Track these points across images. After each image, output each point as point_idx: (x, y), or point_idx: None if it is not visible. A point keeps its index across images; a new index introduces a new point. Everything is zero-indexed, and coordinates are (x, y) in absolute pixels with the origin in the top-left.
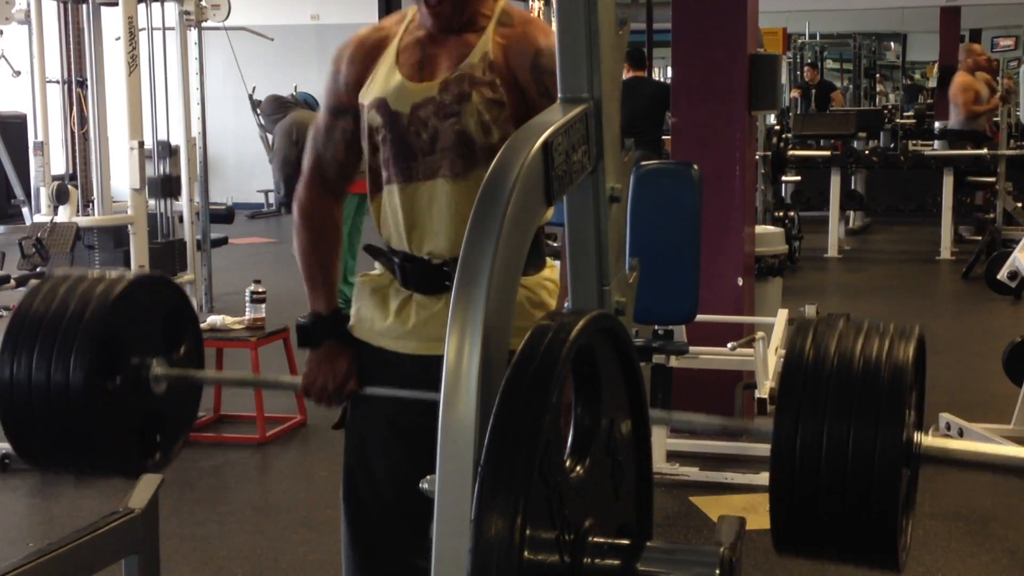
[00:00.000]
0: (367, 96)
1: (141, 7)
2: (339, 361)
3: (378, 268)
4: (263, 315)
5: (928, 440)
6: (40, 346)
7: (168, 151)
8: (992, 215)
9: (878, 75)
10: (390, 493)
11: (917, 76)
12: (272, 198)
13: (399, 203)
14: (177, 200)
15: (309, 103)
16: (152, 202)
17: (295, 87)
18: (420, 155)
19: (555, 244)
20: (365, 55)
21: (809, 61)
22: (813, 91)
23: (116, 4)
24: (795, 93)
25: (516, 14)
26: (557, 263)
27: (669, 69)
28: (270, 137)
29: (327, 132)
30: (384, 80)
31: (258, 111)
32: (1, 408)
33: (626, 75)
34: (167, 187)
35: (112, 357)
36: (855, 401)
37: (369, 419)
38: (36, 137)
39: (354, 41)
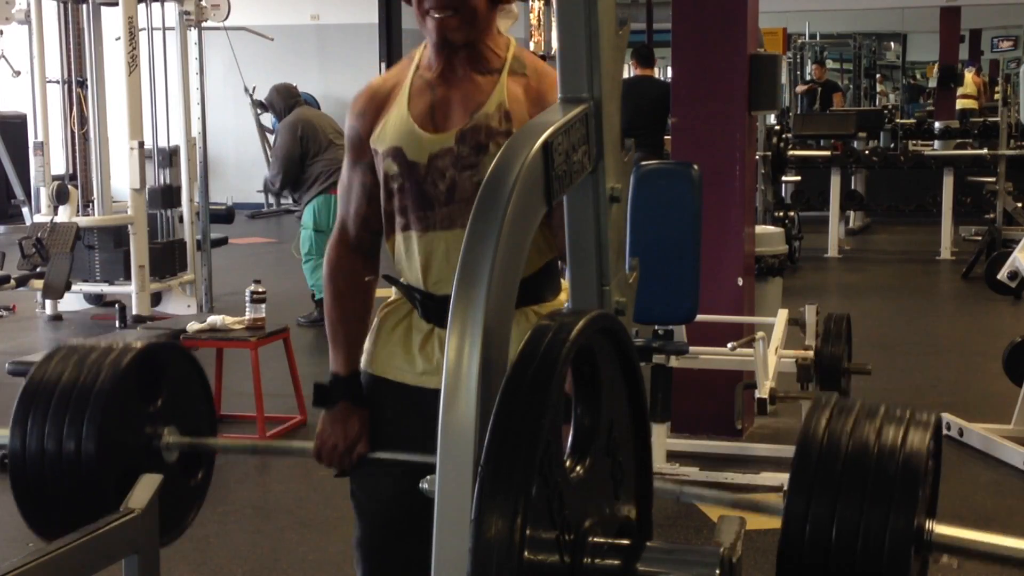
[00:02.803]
0: (381, 142)
1: (141, 7)
2: (351, 421)
3: (395, 294)
4: (263, 315)
5: (940, 529)
6: (51, 420)
7: (168, 160)
8: (992, 215)
9: (879, 75)
10: (398, 508)
11: (917, 76)
12: (271, 198)
13: (416, 250)
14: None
15: (309, 103)
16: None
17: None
18: (437, 205)
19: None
20: (376, 107)
21: (817, 59)
22: (819, 89)
23: (116, 4)
24: (801, 88)
25: (528, 62)
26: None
27: (669, 69)
28: (270, 121)
29: (349, 187)
30: (397, 127)
31: (254, 101)
32: (13, 484)
33: (633, 72)
34: (168, 197)
35: (123, 427)
36: (868, 486)
37: (374, 438)
38: (36, 137)
39: (365, 93)
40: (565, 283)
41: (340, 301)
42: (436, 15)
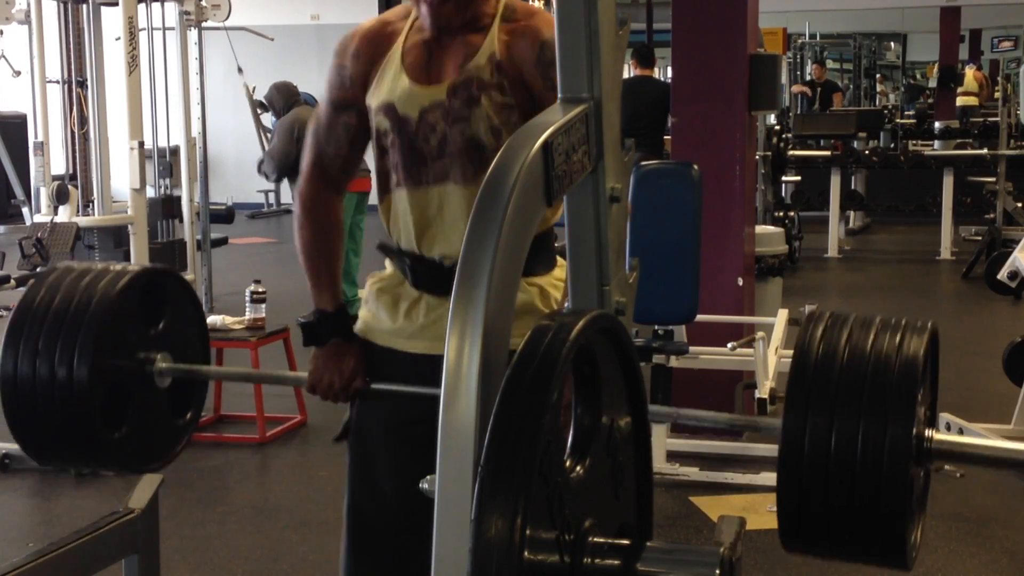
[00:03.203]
0: (374, 99)
1: (141, 7)
2: (346, 358)
3: (389, 267)
4: (263, 315)
5: (940, 436)
6: (44, 340)
7: (169, 170)
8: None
9: (879, 75)
10: (397, 506)
11: (917, 76)
12: (272, 197)
13: (408, 207)
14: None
15: (309, 103)
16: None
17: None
18: (429, 160)
19: (556, 244)
20: (371, 50)
21: (817, 59)
22: (819, 89)
23: (116, 4)
24: (798, 88)
25: (520, 8)
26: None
27: (669, 69)
28: (269, 120)
29: (329, 127)
30: (391, 83)
31: (254, 101)
32: (5, 403)
33: (633, 72)
34: (168, 207)
35: (116, 351)
36: (865, 396)
37: (373, 432)
38: (36, 137)
39: (358, 34)
40: (562, 260)
41: (320, 236)
42: (431, 1)
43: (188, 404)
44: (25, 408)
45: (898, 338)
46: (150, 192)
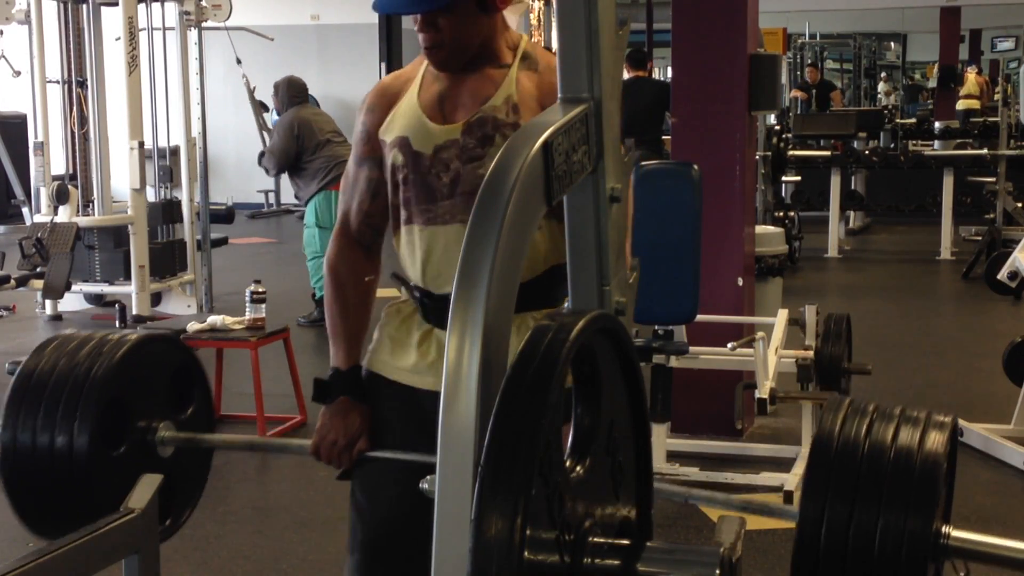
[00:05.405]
0: (389, 133)
1: (141, 7)
2: (351, 417)
3: (402, 293)
4: (263, 315)
5: (956, 533)
6: (44, 410)
7: (169, 175)
8: (992, 215)
9: (883, 75)
10: (406, 509)
11: (917, 76)
12: (272, 198)
13: (417, 244)
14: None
15: (311, 104)
16: (151, 199)
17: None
18: (439, 198)
19: None
20: (384, 101)
21: (810, 61)
22: (814, 91)
23: (116, 4)
24: (796, 93)
25: (540, 56)
26: None
27: (669, 69)
28: (270, 121)
29: (354, 182)
30: (405, 117)
31: (254, 99)
32: (4, 474)
33: (627, 75)
34: (168, 212)
35: (117, 420)
36: (885, 489)
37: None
38: (36, 137)
39: (376, 90)
40: None
41: (341, 293)
42: (425, 47)
43: (194, 466)
44: (25, 482)
45: (919, 432)
46: (150, 195)
